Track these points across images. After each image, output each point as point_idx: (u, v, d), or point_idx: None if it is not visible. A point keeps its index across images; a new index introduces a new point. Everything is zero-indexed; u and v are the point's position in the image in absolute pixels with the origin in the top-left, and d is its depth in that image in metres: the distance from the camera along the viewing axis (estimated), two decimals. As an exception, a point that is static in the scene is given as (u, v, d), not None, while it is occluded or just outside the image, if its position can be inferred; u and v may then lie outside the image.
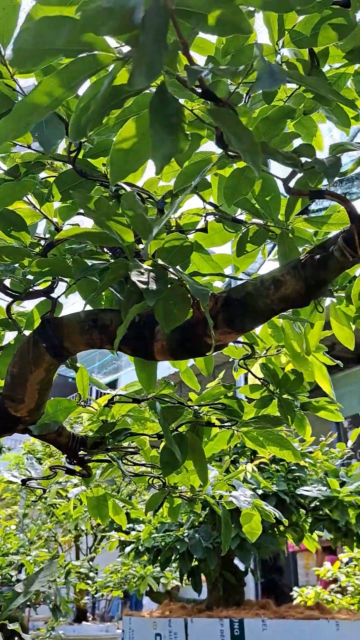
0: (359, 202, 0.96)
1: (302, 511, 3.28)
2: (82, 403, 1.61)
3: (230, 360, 1.74)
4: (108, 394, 1.66)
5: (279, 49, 1.17)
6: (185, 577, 3.27)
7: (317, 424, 2.09)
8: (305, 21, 1.06)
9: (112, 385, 16.54)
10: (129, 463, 1.75)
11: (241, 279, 1.08)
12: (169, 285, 1.01)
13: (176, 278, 0.98)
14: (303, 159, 0.78)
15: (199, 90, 0.63)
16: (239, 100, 0.72)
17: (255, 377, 1.63)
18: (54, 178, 1.08)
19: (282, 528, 3.24)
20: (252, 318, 1.02)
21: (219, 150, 0.89)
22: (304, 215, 1.31)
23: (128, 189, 1.04)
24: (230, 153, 0.73)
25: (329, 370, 1.68)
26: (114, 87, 0.61)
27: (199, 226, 1.36)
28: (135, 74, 0.45)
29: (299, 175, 0.95)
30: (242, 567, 3.47)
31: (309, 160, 0.78)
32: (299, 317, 1.45)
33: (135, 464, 1.75)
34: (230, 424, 1.59)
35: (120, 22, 0.49)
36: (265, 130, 0.80)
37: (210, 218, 1.33)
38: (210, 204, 1.35)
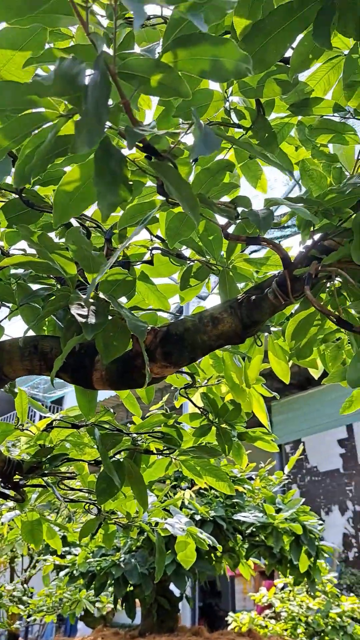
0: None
1: (239, 537, 3.30)
2: (21, 426, 1.60)
3: (173, 387, 1.77)
4: (48, 417, 1.65)
5: (228, 97, 1.23)
6: (119, 602, 3.23)
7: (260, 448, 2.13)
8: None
9: (59, 401, 16.21)
10: (66, 488, 1.74)
11: (177, 314, 1.11)
12: (110, 317, 1.04)
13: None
14: (240, 209, 0.82)
15: (141, 145, 0.66)
16: (180, 152, 0.76)
17: (195, 406, 1.67)
18: (2, 205, 1.09)
19: (218, 554, 3.25)
20: (189, 353, 1.05)
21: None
22: (248, 254, 1.37)
23: (74, 222, 1.06)
24: (171, 200, 0.77)
25: (273, 395, 1.74)
26: (58, 137, 0.64)
27: (145, 257, 1.39)
28: (77, 141, 0.47)
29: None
30: (178, 592, 3.46)
31: (245, 210, 0.83)
32: (239, 350, 1.49)
33: (71, 489, 1.74)
34: (168, 452, 1.61)
35: (63, 86, 0.52)
36: (205, 180, 0.84)
37: (158, 251, 1.37)
38: (157, 237, 1.39)
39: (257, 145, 1.32)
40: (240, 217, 0.81)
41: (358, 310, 0.87)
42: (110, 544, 1.79)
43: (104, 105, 0.50)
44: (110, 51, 0.60)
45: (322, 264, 0.92)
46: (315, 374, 1.67)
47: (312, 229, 0.88)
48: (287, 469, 3.58)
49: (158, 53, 0.71)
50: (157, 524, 1.83)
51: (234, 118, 1.29)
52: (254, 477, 3.78)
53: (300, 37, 0.85)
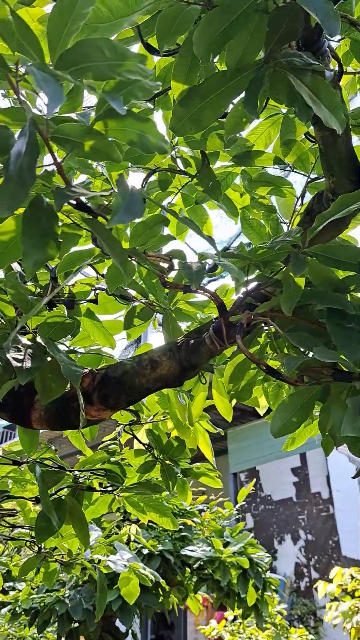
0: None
1: (188, 570, 3.27)
2: None
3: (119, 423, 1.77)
4: (-11, 452, 1.62)
5: (174, 145, 1.28)
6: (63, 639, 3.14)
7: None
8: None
9: (11, 426, 15.76)
10: (6, 525, 1.70)
11: (111, 356, 1.12)
12: (49, 359, 1.04)
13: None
14: (175, 261, 0.85)
15: (74, 203, 0.68)
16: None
17: (140, 442, 1.67)
18: None
19: (167, 588, 3.22)
20: (127, 396, 1.06)
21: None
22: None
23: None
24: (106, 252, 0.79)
25: (230, 422, 1.76)
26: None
27: (91, 296, 1.41)
28: (-3, 205, 0.49)
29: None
30: (124, 628, 3.39)
31: (181, 261, 0.86)
32: (182, 388, 1.51)
33: (12, 526, 1.71)
34: (111, 488, 1.60)
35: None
36: (143, 232, 0.87)
37: (102, 290, 1.39)
38: (103, 275, 1.41)
39: (201, 192, 1.37)
40: (174, 270, 0.84)
41: (283, 362, 0.91)
42: (50, 583, 1.75)
43: (29, 171, 0.52)
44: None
45: (255, 313, 0.96)
46: (260, 410, 1.70)
47: (245, 280, 0.91)
48: (238, 503, 3.59)
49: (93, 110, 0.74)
50: (99, 561, 1.81)
51: (180, 165, 1.34)
52: (205, 509, 3.77)
53: (235, 101, 0.89)
